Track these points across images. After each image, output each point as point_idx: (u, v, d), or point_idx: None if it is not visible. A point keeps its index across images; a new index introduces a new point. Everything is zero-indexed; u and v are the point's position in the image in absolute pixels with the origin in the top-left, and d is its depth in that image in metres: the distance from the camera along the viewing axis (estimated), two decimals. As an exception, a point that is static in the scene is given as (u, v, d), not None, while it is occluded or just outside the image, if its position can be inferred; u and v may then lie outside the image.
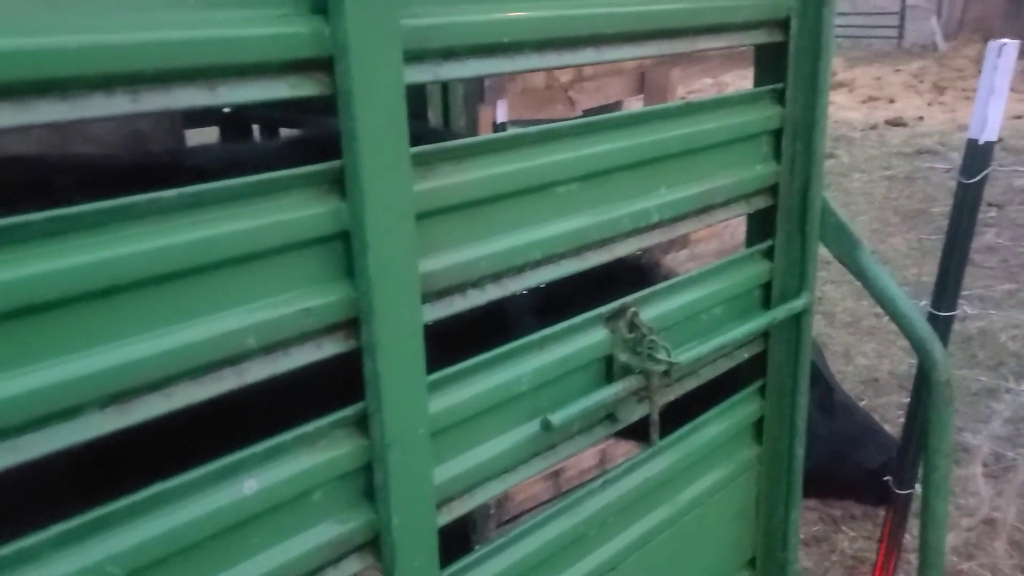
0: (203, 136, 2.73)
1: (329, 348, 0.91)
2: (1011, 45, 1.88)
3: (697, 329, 1.42)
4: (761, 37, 1.41)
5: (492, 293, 1.07)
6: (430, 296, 0.99)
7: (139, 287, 0.76)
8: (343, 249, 0.91)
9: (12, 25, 0.66)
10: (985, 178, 1.99)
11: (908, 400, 2.23)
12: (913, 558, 2.52)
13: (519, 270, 1.10)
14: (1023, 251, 5.84)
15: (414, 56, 0.91)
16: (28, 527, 0.73)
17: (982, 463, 3.32)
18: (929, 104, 11.42)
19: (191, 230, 0.79)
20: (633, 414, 1.31)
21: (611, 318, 1.26)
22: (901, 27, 17.59)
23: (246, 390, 0.84)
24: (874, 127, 10.08)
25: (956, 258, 2.05)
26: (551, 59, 1.08)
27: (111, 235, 0.74)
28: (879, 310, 2.20)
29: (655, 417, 1.32)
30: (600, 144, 1.18)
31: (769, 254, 1.55)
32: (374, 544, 1.01)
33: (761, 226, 1.55)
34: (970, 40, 14.18)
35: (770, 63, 1.47)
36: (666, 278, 1.45)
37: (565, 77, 2.83)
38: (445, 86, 2.16)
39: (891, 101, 11.73)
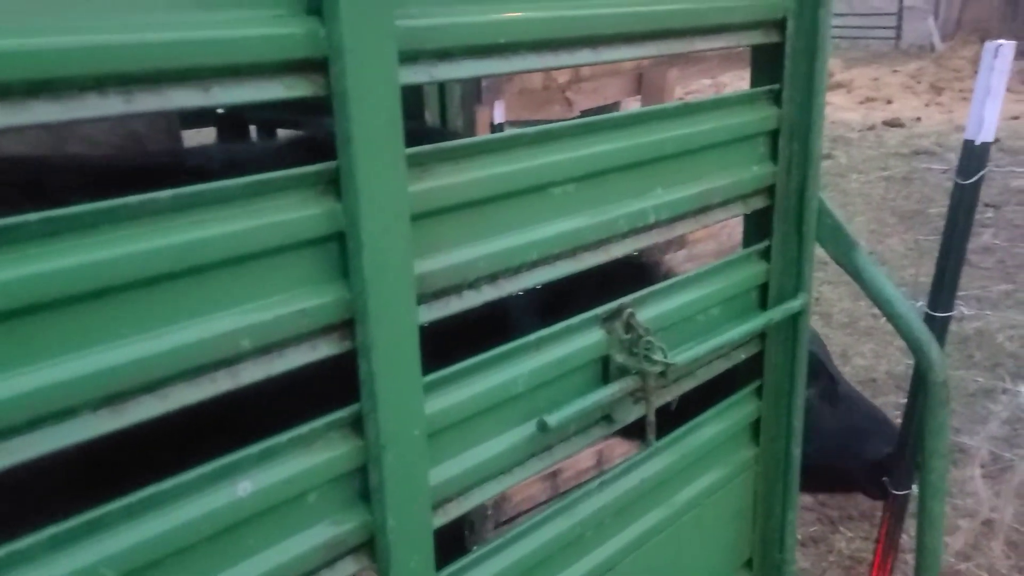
0: (200, 137, 2.73)
1: (324, 349, 0.91)
2: (1007, 46, 1.89)
3: (694, 330, 1.42)
4: (757, 38, 1.41)
5: (488, 294, 1.07)
6: (426, 297, 0.99)
7: (134, 288, 0.76)
8: (338, 250, 0.91)
9: (4, 26, 0.65)
10: (982, 179, 1.99)
11: (905, 401, 2.23)
12: (910, 558, 2.53)
13: (515, 271, 1.10)
14: (1020, 252, 5.85)
15: (409, 57, 0.91)
16: (22, 529, 0.73)
17: (979, 464, 3.32)
18: (926, 105, 11.45)
19: (186, 231, 0.79)
20: (630, 415, 1.31)
21: (607, 319, 1.26)
22: (898, 28, 17.64)
23: (241, 391, 0.84)
24: (871, 128, 10.10)
25: (953, 259, 2.06)
26: (547, 60, 1.08)
27: (106, 236, 0.74)
28: (876, 311, 2.20)
29: (652, 418, 1.32)
30: (597, 145, 1.18)
31: (766, 255, 1.55)
32: (370, 546, 1.00)
33: (758, 227, 1.55)
34: (967, 41, 14.22)
35: (767, 64, 1.47)
36: (667, 277, 1.44)
37: (563, 78, 2.83)
38: (442, 87, 2.16)
39: (888, 102, 11.76)
